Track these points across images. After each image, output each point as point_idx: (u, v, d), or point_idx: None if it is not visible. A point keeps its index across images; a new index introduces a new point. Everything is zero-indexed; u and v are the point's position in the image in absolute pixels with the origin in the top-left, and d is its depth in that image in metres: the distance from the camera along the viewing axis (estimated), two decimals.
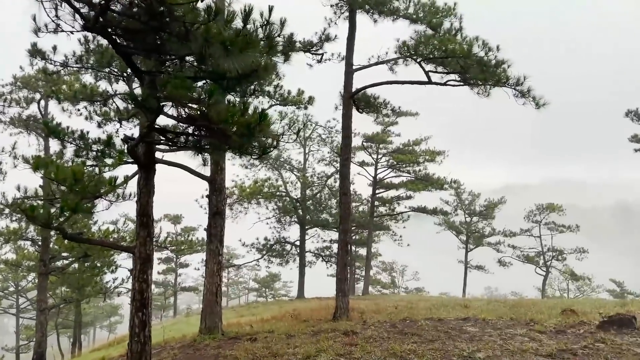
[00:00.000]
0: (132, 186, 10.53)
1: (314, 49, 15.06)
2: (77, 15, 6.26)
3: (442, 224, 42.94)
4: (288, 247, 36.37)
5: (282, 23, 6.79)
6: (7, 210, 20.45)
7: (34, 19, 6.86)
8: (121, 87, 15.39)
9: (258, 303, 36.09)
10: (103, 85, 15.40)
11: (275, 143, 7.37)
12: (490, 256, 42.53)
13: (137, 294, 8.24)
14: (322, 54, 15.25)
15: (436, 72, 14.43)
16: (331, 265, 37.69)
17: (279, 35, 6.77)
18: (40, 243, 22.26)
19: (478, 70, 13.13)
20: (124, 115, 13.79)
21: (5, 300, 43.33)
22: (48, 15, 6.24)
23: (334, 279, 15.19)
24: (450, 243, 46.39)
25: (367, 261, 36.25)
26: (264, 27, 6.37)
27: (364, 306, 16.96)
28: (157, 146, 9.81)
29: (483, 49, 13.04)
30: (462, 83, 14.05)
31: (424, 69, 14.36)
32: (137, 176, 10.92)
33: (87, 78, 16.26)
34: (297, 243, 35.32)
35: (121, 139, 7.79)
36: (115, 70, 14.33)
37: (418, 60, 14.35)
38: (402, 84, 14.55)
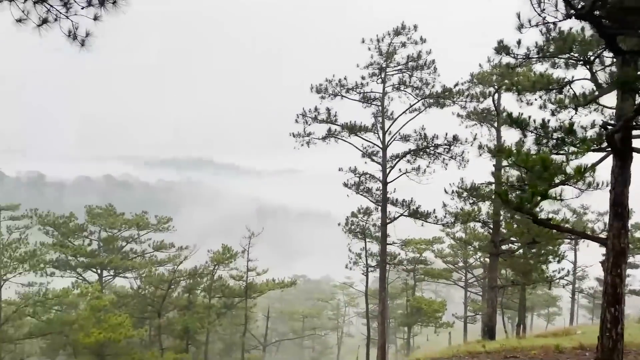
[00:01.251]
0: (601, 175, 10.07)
1: None
2: (559, 6, 6.43)
3: None
4: None
5: None
6: (465, 194, 23.29)
7: (518, 17, 7.44)
8: (579, 72, 14.85)
9: None
10: (556, 72, 15.26)
11: None
12: None
13: (610, 287, 7.88)
14: None
15: None
16: None
17: None
18: (491, 226, 24.33)
19: None
20: (580, 101, 13.28)
21: (455, 273, 49.71)
22: (535, 10, 6.64)
23: None
24: None
25: None
26: None
27: None
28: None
29: None
30: None
31: None
32: (601, 164, 10.44)
33: (538, 67, 16.46)
34: None
35: (600, 126, 7.56)
36: (575, 55, 13.91)
37: None
38: None
